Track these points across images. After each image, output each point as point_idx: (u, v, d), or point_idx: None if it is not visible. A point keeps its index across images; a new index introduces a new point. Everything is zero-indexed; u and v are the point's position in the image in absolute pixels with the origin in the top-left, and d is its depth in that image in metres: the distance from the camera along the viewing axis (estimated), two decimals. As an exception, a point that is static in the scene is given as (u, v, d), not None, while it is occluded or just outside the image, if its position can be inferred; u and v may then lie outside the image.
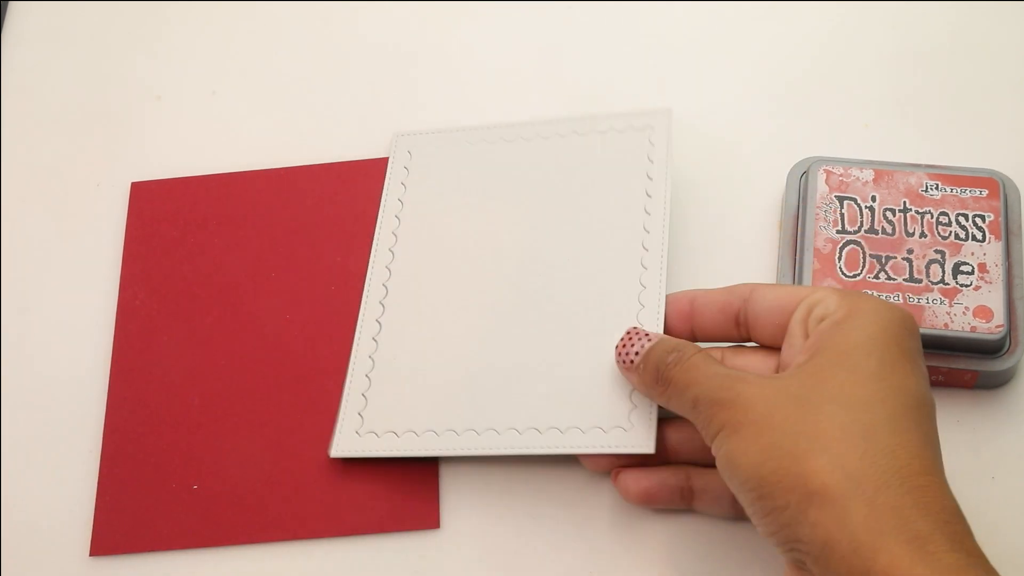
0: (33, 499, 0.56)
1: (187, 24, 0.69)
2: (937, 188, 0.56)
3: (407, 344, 0.56)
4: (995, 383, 0.54)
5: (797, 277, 0.55)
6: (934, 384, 0.54)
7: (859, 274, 0.54)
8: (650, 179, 0.58)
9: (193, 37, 0.69)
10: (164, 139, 0.65)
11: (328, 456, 0.54)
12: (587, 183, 0.59)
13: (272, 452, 0.55)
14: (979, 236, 0.55)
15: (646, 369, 0.49)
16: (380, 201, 0.61)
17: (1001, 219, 0.55)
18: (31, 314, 0.61)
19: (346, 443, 0.54)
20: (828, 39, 0.66)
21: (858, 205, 0.56)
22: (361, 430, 0.54)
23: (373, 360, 0.56)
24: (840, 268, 0.55)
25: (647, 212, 0.57)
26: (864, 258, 0.55)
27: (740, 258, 0.59)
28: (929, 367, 0.52)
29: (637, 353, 0.50)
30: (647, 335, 0.50)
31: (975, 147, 0.61)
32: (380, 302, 0.58)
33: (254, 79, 0.67)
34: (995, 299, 0.53)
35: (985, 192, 0.56)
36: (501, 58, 0.67)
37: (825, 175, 0.57)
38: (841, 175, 0.57)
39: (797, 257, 0.56)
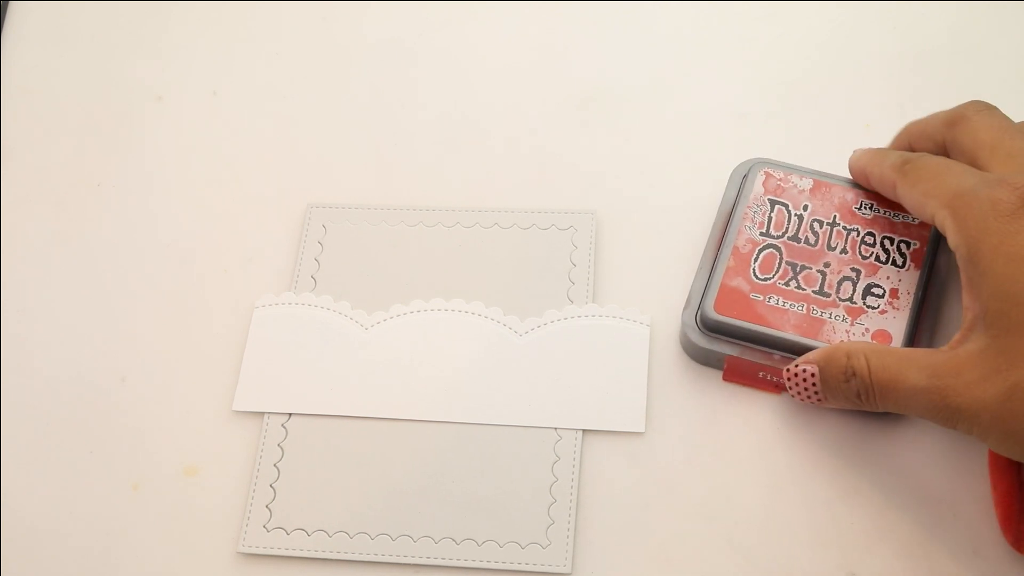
0: (33, 499, 0.55)
1: (188, 24, 0.69)
2: (871, 208, 0.55)
3: (319, 441, 0.55)
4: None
5: (713, 271, 0.55)
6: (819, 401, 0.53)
7: (771, 278, 0.54)
8: (572, 283, 0.58)
9: (194, 37, 0.69)
10: (165, 139, 0.65)
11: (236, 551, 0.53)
12: (509, 281, 0.58)
13: None
14: (899, 262, 0.54)
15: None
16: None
17: (927, 249, 0.54)
18: (31, 314, 0.60)
19: (254, 539, 0.53)
20: (828, 39, 0.65)
21: (788, 211, 0.56)
22: (269, 525, 0.53)
23: (282, 448, 0.55)
24: (754, 269, 0.54)
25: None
26: (780, 263, 0.54)
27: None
28: (819, 381, 0.52)
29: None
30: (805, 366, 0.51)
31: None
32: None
33: (255, 80, 0.67)
34: (897, 326, 0.52)
35: (918, 220, 0.55)
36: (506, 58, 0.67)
37: (764, 176, 0.57)
38: (780, 180, 0.57)
39: (719, 252, 0.56)
